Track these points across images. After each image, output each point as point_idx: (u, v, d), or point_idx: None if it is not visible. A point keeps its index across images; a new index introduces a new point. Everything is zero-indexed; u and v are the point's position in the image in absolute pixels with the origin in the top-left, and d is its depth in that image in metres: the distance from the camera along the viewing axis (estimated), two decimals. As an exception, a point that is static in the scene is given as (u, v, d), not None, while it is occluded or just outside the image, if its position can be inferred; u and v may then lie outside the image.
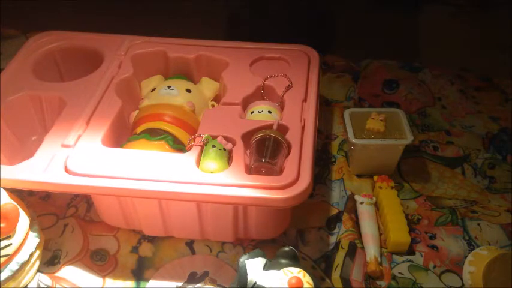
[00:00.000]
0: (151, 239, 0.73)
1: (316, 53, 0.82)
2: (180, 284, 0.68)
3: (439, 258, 0.72)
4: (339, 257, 0.71)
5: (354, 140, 0.77)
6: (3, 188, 0.63)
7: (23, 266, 0.63)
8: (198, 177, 0.63)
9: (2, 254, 0.61)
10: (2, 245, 0.60)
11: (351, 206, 0.78)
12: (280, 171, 0.65)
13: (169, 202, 0.67)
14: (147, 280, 0.69)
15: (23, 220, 0.64)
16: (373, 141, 0.77)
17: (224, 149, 0.66)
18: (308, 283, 0.54)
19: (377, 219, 0.75)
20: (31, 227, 0.66)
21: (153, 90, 0.77)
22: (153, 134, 0.71)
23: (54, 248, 0.72)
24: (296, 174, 0.63)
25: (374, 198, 0.77)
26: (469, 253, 0.70)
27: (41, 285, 0.68)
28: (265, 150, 0.65)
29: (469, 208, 0.78)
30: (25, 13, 1.23)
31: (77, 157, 0.65)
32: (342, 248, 0.72)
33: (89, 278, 0.69)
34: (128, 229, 0.74)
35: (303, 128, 0.69)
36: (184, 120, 0.73)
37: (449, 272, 0.70)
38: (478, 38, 1.16)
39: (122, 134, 0.74)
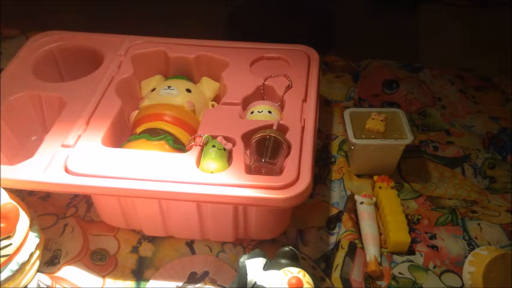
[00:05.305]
0: (151, 239, 0.73)
1: (316, 53, 0.82)
2: (180, 284, 0.68)
3: (439, 258, 0.72)
4: (339, 257, 0.71)
5: (354, 140, 0.77)
6: (3, 188, 0.63)
7: (23, 266, 0.63)
8: (198, 177, 0.63)
9: (2, 254, 0.61)
10: (2, 245, 0.60)
11: (351, 206, 0.78)
12: (280, 171, 0.65)
13: (169, 202, 0.67)
14: (147, 280, 0.69)
15: (23, 220, 0.64)
16: (373, 141, 0.77)
17: (224, 149, 0.66)
18: (308, 283, 0.54)
19: (377, 219, 0.75)
20: (31, 227, 0.66)
21: (153, 90, 0.77)
22: (153, 134, 0.71)
23: (54, 248, 0.72)
24: (296, 174, 0.63)
25: (374, 198, 0.77)
26: (469, 253, 0.70)
27: (41, 285, 0.68)
28: (265, 150, 0.65)
29: (469, 208, 0.78)
30: (25, 13, 1.23)
31: (77, 157, 0.65)
32: (342, 248, 0.72)
33: (89, 278, 0.69)
34: (128, 229, 0.74)
35: (303, 128, 0.69)
36: (184, 120, 0.73)
37: (449, 272, 0.70)
38: (478, 37, 1.16)
39: (122, 134, 0.74)
